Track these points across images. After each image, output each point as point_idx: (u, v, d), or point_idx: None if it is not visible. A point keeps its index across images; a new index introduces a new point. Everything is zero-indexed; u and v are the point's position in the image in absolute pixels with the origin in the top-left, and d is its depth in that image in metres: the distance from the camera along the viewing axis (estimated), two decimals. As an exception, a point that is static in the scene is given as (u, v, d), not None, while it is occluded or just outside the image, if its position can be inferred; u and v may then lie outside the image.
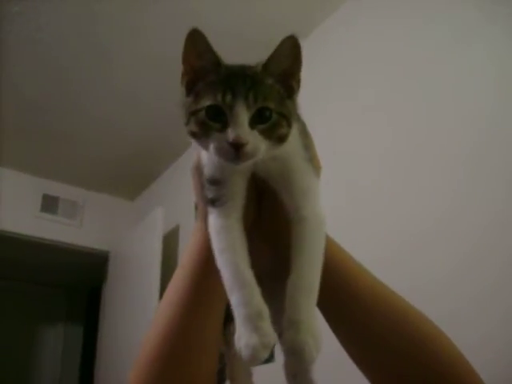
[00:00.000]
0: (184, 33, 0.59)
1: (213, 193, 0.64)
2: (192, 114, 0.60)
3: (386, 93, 2.13)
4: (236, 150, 0.56)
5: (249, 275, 0.58)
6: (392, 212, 1.93)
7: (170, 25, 2.54)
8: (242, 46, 2.34)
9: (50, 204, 4.02)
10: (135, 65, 2.93)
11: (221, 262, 0.59)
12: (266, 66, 0.60)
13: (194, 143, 0.62)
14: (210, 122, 0.58)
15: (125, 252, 3.79)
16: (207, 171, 0.65)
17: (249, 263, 0.59)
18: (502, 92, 1.69)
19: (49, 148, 3.73)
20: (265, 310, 0.55)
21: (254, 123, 0.57)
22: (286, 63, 0.60)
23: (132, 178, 4.17)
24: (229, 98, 0.57)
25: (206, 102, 0.58)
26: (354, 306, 0.66)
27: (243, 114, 0.56)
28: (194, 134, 0.60)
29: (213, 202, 0.63)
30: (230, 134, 0.56)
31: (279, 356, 0.61)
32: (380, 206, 1.98)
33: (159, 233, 3.35)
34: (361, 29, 2.38)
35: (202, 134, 0.59)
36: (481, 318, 1.48)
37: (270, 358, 1.77)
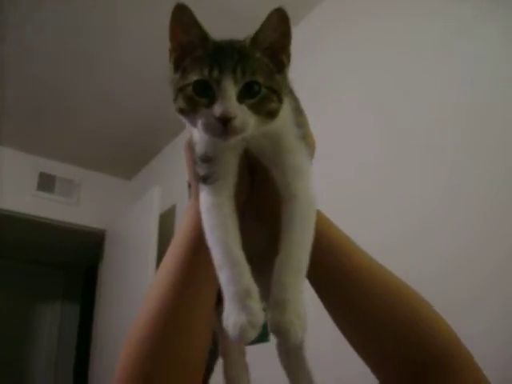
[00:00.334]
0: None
1: (204, 170, 0.63)
2: (179, 90, 0.58)
3: (383, 87, 2.12)
4: (224, 125, 0.55)
5: (239, 253, 0.57)
6: (387, 202, 1.91)
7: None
8: (240, 24, 2.31)
9: (46, 182, 4.01)
10: (139, 41, 2.87)
11: (211, 239, 0.59)
12: (254, 39, 0.59)
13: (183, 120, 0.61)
14: (197, 98, 0.57)
15: (121, 231, 3.80)
16: (199, 148, 0.64)
17: (240, 241, 0.58)
18: (500, 91, 1.68)
19: (45, 126, 3.70)
20: (254, 289, 0.54)
21: (242, 98, 0.56)
22: (274, 36, 0.59)
23: (129, 157, 4.15)
24: (216, 72, 0.56)
25: (193, 77, 0.57)
26: (348, 285, 0.65)
27: (231, 89, 0.55)
28: (181, 111, 0.59)
29: (204, 180, 0.63)
30: (217, 108, 0.55)
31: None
32: (377, 195, 1.96)
33: (156, 212, 3.34)
34: (359, 24, 2.35)
35: (189, 109, 0.58)
36: (480, 310, 1.47)
37: (265, 338, 1.76)
